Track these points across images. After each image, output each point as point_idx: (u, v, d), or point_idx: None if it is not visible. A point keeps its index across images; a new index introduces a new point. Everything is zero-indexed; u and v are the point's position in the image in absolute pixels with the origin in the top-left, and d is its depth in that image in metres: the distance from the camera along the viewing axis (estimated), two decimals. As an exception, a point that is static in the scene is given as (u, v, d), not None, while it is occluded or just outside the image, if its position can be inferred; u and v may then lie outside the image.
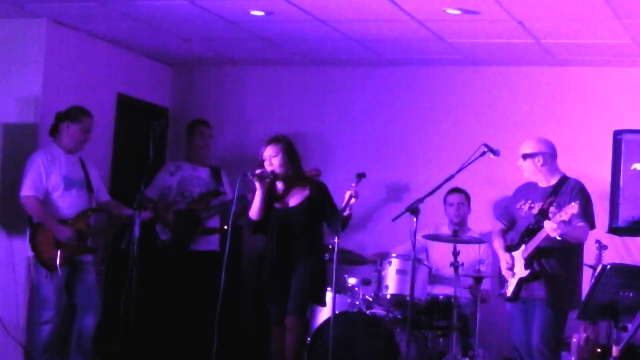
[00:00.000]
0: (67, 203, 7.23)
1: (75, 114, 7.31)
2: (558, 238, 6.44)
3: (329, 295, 6.92)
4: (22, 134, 7.67)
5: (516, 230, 6.94)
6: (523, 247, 6.73)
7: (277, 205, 6.63)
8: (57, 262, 7.06)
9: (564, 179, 6.86)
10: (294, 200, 6.65)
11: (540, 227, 6.58)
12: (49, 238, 7.10)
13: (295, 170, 6.63)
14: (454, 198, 8.10)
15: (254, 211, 6.56)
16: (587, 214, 6.69)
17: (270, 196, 6.61)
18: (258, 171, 6.51)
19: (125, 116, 8.72)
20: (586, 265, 7.25)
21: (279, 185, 6.63)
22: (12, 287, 7.55)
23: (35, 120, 7.69)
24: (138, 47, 8.71)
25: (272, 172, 6.53)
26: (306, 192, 6.65)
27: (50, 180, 7.17)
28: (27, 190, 7.13)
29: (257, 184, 6.49)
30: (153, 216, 7.58)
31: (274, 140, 6.61)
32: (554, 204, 6.68)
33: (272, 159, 6.54)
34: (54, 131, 7.32)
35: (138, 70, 8.97)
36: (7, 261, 7.58)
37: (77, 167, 7.35)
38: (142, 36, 8.21)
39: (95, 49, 8.32)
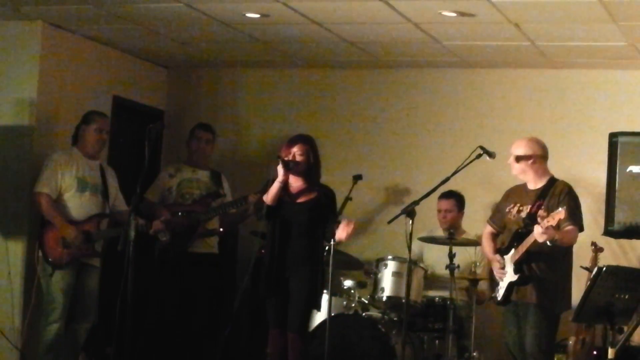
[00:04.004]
0: (79, 205, 7.30)
1: (88, 115, 7.45)
2: (548, 244, 6.44)
3: (324, 298, 6.91)
4: (18, 136, 7.67)
5: (506, 233, 6.95)
6: (513, 251, 6.73)
7: (285, 198, 6.69)
8: (63, 261, 7.14)
9: (552, 181, 6.84)
10: (302, 198, 6.71)
11: (529, 231, 6.57)
12: (56, 236, 7.17)
13: (312, 170, 6.73)
14: (442, 204, 8.08)
15: (270, 196, 6.63)
16: (575, 217, 6.67)
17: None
18: (286, 158, 6.64)
19: (121, 118, 8.71)
20: (582, 267, 7.26)
21: (292, 180, 6.70)
22: (8, 289, 7.55)
23: (30, 123, 7.69)
24: (134, 50, 8.71)
25: (295, 162, 6.65)
26: (315, 194, 6.71)
27: (64, 179, 7.25)
28: (39, 187, 7.23)
29: (282, 170, 6.58)
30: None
31: (304, 139, 6.75)
32: (542, 207, 6.68)
33: (297, 156, 6.66)
34: (75, 139, 7.43)
35: (134, 73, 8.97)
36: (3, 263, 7.56)
37: (95, 172, 7.43)
38: (138, 38, 8.21)
39: (91, 52, 8.32)
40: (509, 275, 6.71)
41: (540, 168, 6.84)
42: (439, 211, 8.11)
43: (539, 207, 6.67)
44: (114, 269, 7.01)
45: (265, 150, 8.89)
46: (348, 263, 8.09)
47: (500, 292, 6.77)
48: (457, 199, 8.11)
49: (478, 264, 7.82)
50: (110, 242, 7.44)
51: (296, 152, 6.68)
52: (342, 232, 6.57)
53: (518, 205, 6.84)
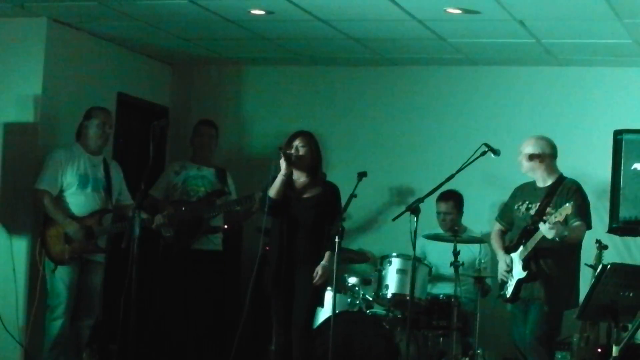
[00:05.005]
0: (80, 202, 7.31)
1: (90, 110, 7.45)
2: (557, 239, 6.44)
3: (328, 295, 6.91)
4: (23, 133, 7.67)
5: (515, 231, 6.95)
6: (521, 248, 6.74)
7: (290, 194, 6.70)
8: (65, 257, 7.14)
9: (561, 179, 6.86)
10: (307, 194, 6.73)
11: (537, 228, 6.58)
12: (58, 233, 7.19)
13: (315, 165, 6.74)
14: (441, 207, 8.07)
15: (274, 190, 6.64)
16: (582, 214, 6.69)
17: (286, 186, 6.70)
18: (288, 151, 6.67)
19: (125, 115, 8.72)
20: (586, 265, 7.25)
21: (296, 175, 6.69)
22: (12, 286, 7.55)
23: (35, 120, 7.69)
24: (138, 46, 8.72)
25: (298, 155, 6.66)
26: (319, 189, 6.73)
27: (66, 177, 7.25)
28: (40, 185, 7.25)
29: (284, 163, 6.59)
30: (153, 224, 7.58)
31: (304, 132, 6.79)
32: (551, 204, 6.68)
33: (299, 148, 6.68)
34: (78, 135, 7.43)
35: (138, 70, 8.97)
36: (7, 260, 7.57)
37: (98, 168, 7.44)
38: (142, 35, 8.21)
39: (95, 48, 8.32)
40: (518, 272, 6.72)
41: (550, 166, 6.86)
42: (439, 214, 8.09)
43: (547, 205, 6.68)
44: (118, 265, 7.02)
45: (270, 147, 8.85)
46: (353, 259, 8.11)
47: (509, 290, 6.78)
48: (456, 201, 8.08)
49: (482, 260, 7.82)
50: (114, 239, 7.44)
51: (298, 144, 6.69)
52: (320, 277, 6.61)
53: (527, 202, 6.85)
